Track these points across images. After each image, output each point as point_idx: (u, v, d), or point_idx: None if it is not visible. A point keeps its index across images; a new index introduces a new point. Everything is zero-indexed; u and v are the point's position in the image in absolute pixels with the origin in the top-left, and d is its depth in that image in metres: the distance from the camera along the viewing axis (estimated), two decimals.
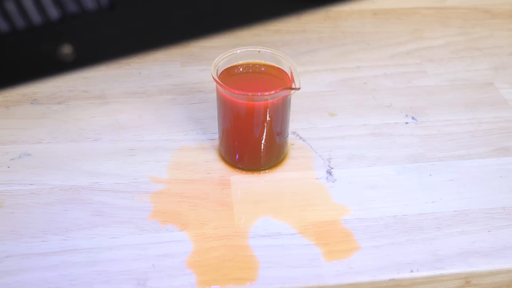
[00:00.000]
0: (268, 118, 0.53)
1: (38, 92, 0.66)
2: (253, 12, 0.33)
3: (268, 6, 0.33)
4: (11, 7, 0.30)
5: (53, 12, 0.31)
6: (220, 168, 0.57)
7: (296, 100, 0.63)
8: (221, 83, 0.51)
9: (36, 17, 0.31)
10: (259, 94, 0.51)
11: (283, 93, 0.51)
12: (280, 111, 0.53)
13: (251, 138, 0.54)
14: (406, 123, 0.62)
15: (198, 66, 0.70)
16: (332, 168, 0.57)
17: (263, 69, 0.55)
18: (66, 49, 0.32)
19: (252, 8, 0.33)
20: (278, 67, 0.55)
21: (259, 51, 0.55)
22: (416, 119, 0.63)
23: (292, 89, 0.51)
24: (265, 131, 0.54)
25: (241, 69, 0.55)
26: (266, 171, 0.56)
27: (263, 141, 0.54)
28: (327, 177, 0.56)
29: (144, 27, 0.32)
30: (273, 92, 0.50)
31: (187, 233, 0.50)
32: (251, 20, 0.33)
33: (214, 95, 0.63)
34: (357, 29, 0.78)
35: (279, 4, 0.32)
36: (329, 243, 0.50)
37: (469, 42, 0.76)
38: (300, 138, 0.60)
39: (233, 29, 0.33)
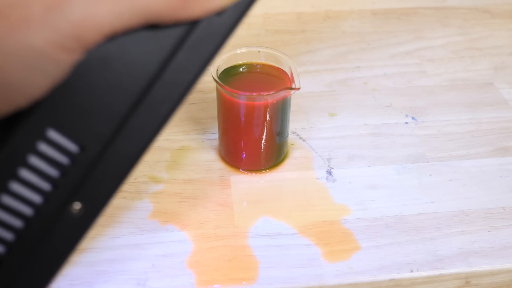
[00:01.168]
0: (268, 118, 0.53)
1: None
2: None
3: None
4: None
5: (46, 186, 0.33)
6: (220, 168, 0.57)
7: (296, 100, 0.63)
8: (221, 83, 0.51)
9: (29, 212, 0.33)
10: (259, 94, 0.51)
11: (283, 93, 0.51)
12: (280, 111, 0.53)
13: (251, 138, 0.54)
14: (406, 123, 0.62)
15: None
16: (332, 168, 0.57)
17: (263, 69, 0.55)
18: (76, 206, 0.33)
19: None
20: (278, 67, 0.55)
21: (259, 51, 0.55)
22: (416, 119, 0.63)
23: (292, 89, 0.51)
24: (265, 131, 0.54)
25: (241, 69, 0.55)
26: (266, 171, 0.56)
27: (263, 141, 0.54)
28: (327, 177, 0.56)
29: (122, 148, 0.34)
30: (273, 92, 0.50)
31: (187, 233, 0.50)
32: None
33: (214, 95, 0.63)
34: (357, 29, 0.78)
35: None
36: (329, 243, 0.50)
37: (469, 42, 0.76)
38: (300, 138, 0.60)
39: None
